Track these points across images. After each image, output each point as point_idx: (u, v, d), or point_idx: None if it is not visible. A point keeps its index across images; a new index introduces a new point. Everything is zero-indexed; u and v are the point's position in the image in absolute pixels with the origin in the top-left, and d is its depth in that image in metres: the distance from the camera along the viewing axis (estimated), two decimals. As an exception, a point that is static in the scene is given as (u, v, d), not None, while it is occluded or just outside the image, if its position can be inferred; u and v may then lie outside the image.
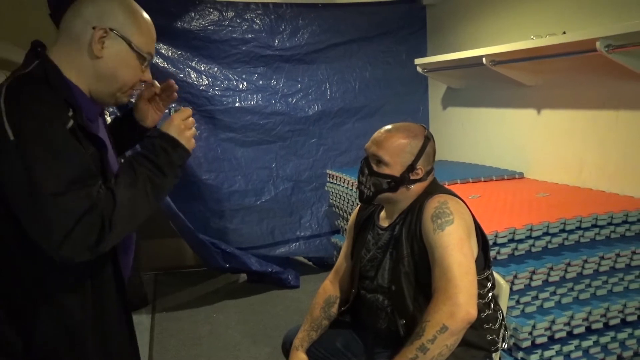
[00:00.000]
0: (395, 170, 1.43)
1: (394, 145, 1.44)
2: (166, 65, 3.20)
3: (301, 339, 1.58)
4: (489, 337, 1.42)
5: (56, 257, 1.00)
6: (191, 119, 1.19)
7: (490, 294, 1.45)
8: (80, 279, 1.11)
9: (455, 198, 1.42)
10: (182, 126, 1.16)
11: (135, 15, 1.14)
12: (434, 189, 1.47)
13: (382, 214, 1.56)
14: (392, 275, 1.43)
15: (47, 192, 0.97)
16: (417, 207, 1.42)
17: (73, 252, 1.00)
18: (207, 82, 3.31)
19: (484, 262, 1.44)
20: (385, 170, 1.44)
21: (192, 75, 3.27)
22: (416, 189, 1.46)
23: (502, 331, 1.46)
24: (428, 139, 1.47)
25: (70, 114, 1.04)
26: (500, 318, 1.47)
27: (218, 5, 3.32)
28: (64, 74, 1.10)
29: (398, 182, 1.44)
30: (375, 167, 1.45)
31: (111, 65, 1.13)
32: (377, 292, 1.48)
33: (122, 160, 1.19)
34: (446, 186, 2.70)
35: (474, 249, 1.37)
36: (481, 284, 1.39)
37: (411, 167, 1.43)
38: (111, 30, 1.11)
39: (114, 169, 1.16)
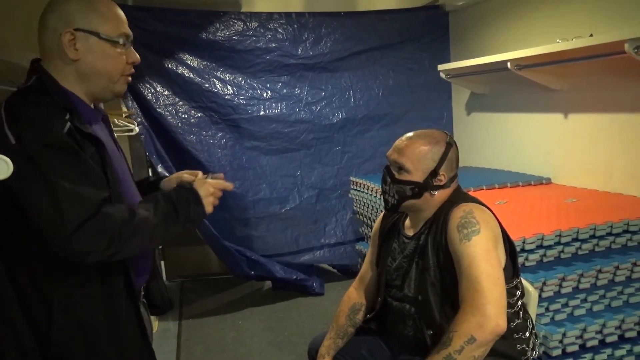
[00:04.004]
0: (417, 176, 1.42)
1: (415, 152, 1.42)
2: (192, 76, 3.26)
3: (327, 346, 1.58)
4: (519, 346, 1.39)
5: (66, 250, 1.04)
6: (220, 192, 1.28)
7: (519, 303, 1.42)
8: (89, 280, 1.14)
9: (481, 206, 1.39)
10: (211, 190, 1.25)
11: (94, 7, 1.17)
12: (459, 197, 1.45)
13: (407, 222, 1.55)
14: (419, 285, 1.42)
15: (53, 186, 1.03)
16: (442, 216, 1.40)
17: (83, 246, 1.04)
18: (232, 91, 3.35)
19: (512, 271, 1.41)
20: (407, 177, 1.42)
21: (217, 85, 3.32)
22: (440, 196, 1.44)
23: (532, 340, 1.43)
24: (450, 144, 1.46)
25: (67, 117, 1.09)
26: (530, 327, 1.44)
27: (242, 15, 3.37)
28: (60, 83, 1.16)
29: (421, 188, 1.42)
30: (397, 175, 1.44)
31: (90, 62, 1.17)
32: (404, 301, 1.47)
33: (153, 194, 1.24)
34: (471, 192, 2.72)
35: (501, 258, 1.35)
36: (510, 293, 1.37)
37: (434, 173, 1.42)
38: (77, 30, 1.14)
39: (119, 172, 1.21)
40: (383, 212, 1.67)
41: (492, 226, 1.35)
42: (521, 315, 1.42)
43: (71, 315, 1.13)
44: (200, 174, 1.37)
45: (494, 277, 1.26)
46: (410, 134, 1.48)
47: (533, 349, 1.44)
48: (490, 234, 1.31)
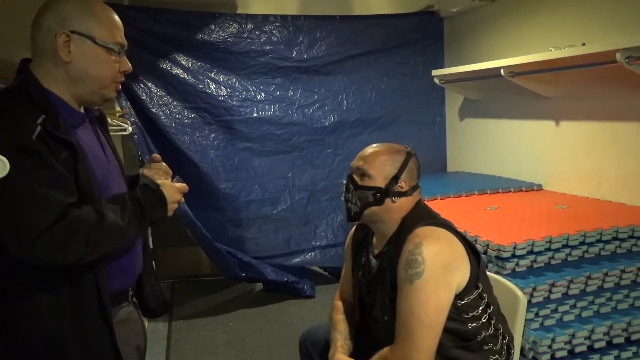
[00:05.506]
0: (379, 182, 1.44)
1: (377, 159, 1.47)
2: (186, 77, 3.26)
3: (341, 346, 1.54)
4: (491, 357, 1.40)
5: (31, 257, 1.03)
6: (182, 199, 1.29)
7: (486, 314, 1.40)
8: (56, 286, 1.12)
9: (435, 231, 1.36)
10: (177, 197, 1.26)
11: (92, 11, 1.16)
12: (417, 216, 1.43)
13: (374, 239, 1.55)
14: (383, 307, 1.44)
15: (17, 190, 1.02)
16: (400, 239, 1.39)
17: (49, 252, 1.03)
18: (225, 92, 3.35)
19: (476, 280, 1.38)
20: (369, 183, 1.45)
21: (212, 86, 3.32)
22: (401, 205, 1.45)
23: (504, 349, 1.43)
24: (410, 154, 1.50)
25: (40, 120, 1.07)
26: (501, 337, 1.43)
27: (238, 17, 3.37)
28: (43, 85, 1.14)
29: (383, 194, 1.44)
30: (359, 181, 1.47)
31: (82, 65, 1.16)
32: (376, 319, 1.49)
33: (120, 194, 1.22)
34: (463, 198, 2.74)
35: (460, 279, 1.34)
36: (472, 306, 1.37)
37: (395, 179, 1.45)
38: (72, 32, 1.13)
39: (98, 177, 1.18)
40: (355, 225, 1.67)
41: (443, 256, 1.32)
42: (492, 325, 1.41)
43: (36, 322, 1.11)
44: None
45: (427, 323, 1.29)
46: (373, 145, 1.53)
47: (508, 357, 1.44)
48: (435, 272, 1.29)
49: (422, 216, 1.44)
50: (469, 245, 1.40)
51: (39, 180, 1.04)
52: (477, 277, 1.39)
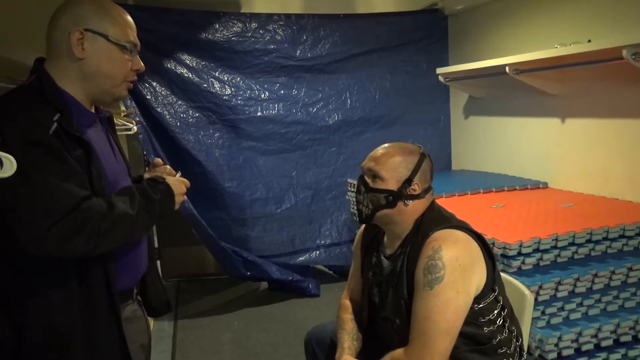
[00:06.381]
0: (392, 184, 1.41)
1: (390, 160, 1.43)
2: (191, 76, 3.26)
3: (348, 347, 1.52)
4: None
5: (43, 249, 1.04)
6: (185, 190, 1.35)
7: (501, 317, 1.39)
8: (66, 279, 1.13)
9: (452, 234, 1.34)
10: (183, 189, 1.32)
11: (106, 9, 1.19)
12: (433, 219, 1.41)
13: (385, 238, 1.54)
14: (396, 310, 1.42)
15: (32, 183, 1.03)
16: (417, 242, 1.37)
17: (61, 243, 1.04)
18: (230, 91, 3.35)
19: (492, 283, 1.37)
20: (382, 185, 1.42)
21: (216, 85, 3.32)
22: (414, 208, 1.42)
23: (517, 352, 1.42)
24: (424, 155, 1.46)
25: (56, 117, 1.09)
26: (515, 339, 1.42)
27: (242, 16, 3.37)
28: (57, 83, 1.16)
29: (395, 197, 1.41)
30: (371, 183, 1.44)
31: (95, 63, 1.18)
32: (386, 320, 1.48)
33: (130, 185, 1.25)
34: (468, 196, 2.73)
35: (478, 282, 1.33)
36: (488, 309, 1.36)
37: (408, 182, 1.42)
38: (86, 30, 1.16)
39: (109, 177, 1.20)
40: (364, 225, 1.64)
41: (462, 260, 1.30)
42: (506, 328, 1.40)
43: (46, 318, 1.12)
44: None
45: (446, 329, 1.27)
46: (385, 145, 1.49)
47: (520, 358, 1.44)
48: (455, 277, 1.28)
49: (437, 219, 1.41)
50: (485, 247, 1.38)
51: (54, 173, 1.06)
52: (494, 279, 1.37)
